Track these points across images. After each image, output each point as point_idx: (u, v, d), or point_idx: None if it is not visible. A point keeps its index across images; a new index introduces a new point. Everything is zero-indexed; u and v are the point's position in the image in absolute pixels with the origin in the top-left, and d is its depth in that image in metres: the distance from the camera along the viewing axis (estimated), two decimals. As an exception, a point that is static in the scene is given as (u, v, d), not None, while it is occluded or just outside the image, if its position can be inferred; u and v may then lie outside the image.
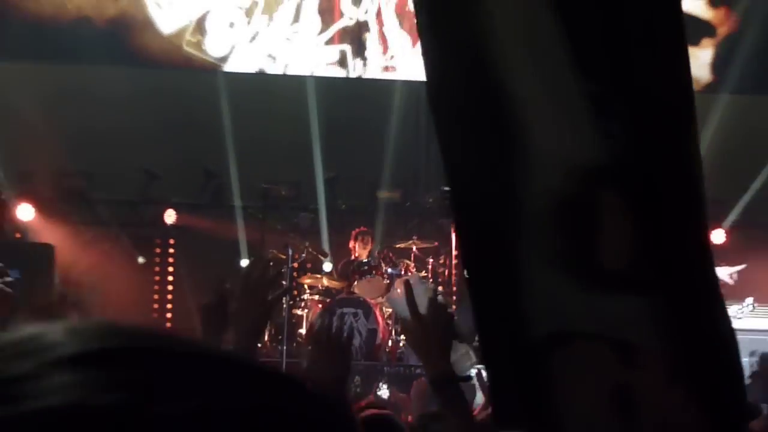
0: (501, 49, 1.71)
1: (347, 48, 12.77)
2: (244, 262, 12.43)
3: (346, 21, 12.82)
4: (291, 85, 12.93)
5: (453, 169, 1.83)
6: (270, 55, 12.59)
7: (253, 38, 12.48)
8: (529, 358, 1.64)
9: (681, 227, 1.71)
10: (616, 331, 1.63)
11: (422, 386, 6.54)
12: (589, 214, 1.66)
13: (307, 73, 12.59)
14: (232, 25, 12.42)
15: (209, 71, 12.63)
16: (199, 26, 12.46)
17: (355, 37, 12.86)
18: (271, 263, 8.04)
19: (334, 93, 12.64)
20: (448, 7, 1.81)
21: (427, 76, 1.84)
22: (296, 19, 12.55)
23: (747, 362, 9.84)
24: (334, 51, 12.83)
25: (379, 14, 12.71)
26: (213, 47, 12.29)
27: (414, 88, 12.35)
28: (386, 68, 12.50)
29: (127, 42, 12.41)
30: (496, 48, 1.71)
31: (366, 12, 12.59)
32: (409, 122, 12.83)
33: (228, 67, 12.48)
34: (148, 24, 12.44)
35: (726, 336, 1.76)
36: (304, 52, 12.52)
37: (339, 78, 12.70)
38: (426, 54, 1.83)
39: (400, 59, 12.49)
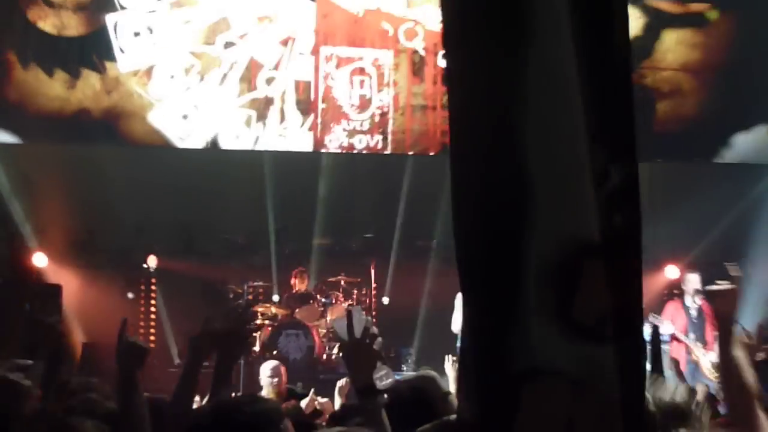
0: (526, 118, 1.75)
1: (253, 113, 14.35)
2: (210, 296, 14.27)
3: (258, 94, 14.38)
4: (248, 158, 14.72)
5: (463, 233, 1.86)
6: (195, 106, 14.14)
7: (187, 89, 14.11)
8: (504, 389, 1.71)
9: (636, 294, 1.79)
10: (576, 371, 1.72)
11: (347, 387, 8.00)
12: (573, 277, 1.74)
13: (218, 127, 14.16)
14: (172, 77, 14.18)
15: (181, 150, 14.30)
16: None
17: (262, 106, 14.35)
18: (248, 307, 9.04)
19: (284, 164, 14.52)
20: (481, 59, 1.80)
21: (452, 138, 1.87)
22: (221, 83, 14.25)
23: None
24: (244, 113, 14.39)
25: (283, 95, 14.30)
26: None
27: (340, 160, 14.63)
28: (280, 135, 14.17)
29: (117, 128, 14.27)
30: (523, 115, 1.75)
31: (274, 91, 14.23)
32: (340, 185, 14.82)
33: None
34: (133, 113, 14.28)
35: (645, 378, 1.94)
36: (221, 109, 14.19)
37: (285, 152, 14.40)
38: (452, 118, 1.85)
39: (291, 131, 14.24)
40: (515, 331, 1.78)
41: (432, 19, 13.89)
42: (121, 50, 13.92)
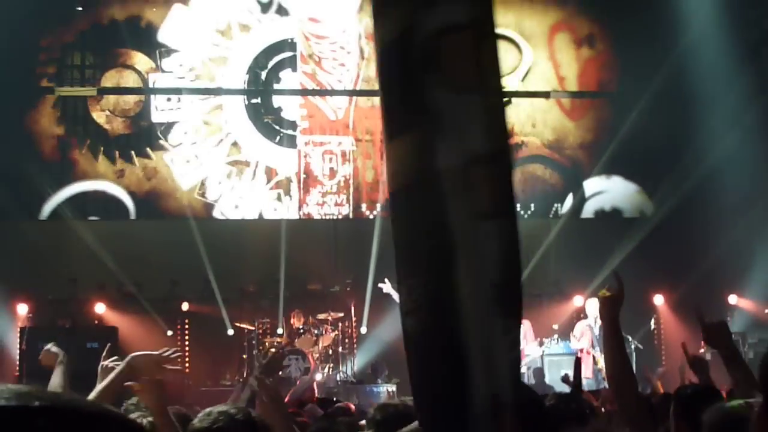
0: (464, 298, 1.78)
1: (281, 191, 17.56)
2: (230, 332, 16.60)
3: (281, 176, 17.65)
4: (263, 227, 17.13)
5: (419, 390, 1.78)
6: (241, 197, 17.40)
7: (232, 189, 17.43)
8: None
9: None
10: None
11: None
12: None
13: (259, 208, 17.23)
14: (219, 182, 17.47)
15: (205, 220, 16.83)
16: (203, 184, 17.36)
17: (285, 185, 17.55)
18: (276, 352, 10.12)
19: (282, 229, 16.78)
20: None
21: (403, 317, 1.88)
22: (253, 176, 17.69)
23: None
24: (274, 193, 17.58)
25: (298, 173, 17.72)
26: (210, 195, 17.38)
27: (325, 226, 17.33)
28: (300, 204, 17.51)
29: (156, 204, 17.22)
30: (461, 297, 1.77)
31: (291, 172, 17.66)
32: (326, 244, 17.37)
33: (218, 210, 17.24)
34: (168, 193, 17.15)
35: None
36: (257, 195, 17.52)
37: (282, 219, 17.07)
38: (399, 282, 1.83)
39: (310, 202, 17.58)
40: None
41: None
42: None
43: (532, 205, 18.32)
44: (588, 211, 18.47)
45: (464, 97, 2.08)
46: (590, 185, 18.56)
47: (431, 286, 2.23)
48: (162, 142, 17.43)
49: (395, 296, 14.99)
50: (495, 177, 2.17)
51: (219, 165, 17.60)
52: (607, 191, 18.58)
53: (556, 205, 18.53)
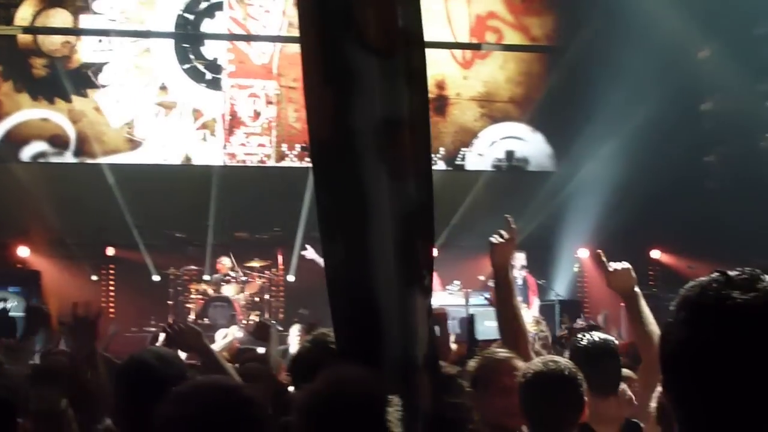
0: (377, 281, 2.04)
1: (207, 132, 17.73)
2: (156, 278, 16.58)
3: (207, 117, 17.84)
4: (191, 173, 17.11)
5: (340, 339, 2.22)
6: (168, 136, 17.43)
7: (159, 128, 17.40)
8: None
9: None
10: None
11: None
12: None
13: (186, 148, 17.42)
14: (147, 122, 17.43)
15: (134, 165, 16.77)
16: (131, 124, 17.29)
17: (211, 126, 17.77)
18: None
19: (211, 175, 16.93)
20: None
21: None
22: (180, 117, 17.68)
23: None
24: (200, 134, 17.75)
25: (223, 116, 17.89)
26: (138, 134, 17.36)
27: (255, 173, 17.35)
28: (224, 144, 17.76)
29: (83, 148, 17.05)
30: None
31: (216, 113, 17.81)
32: (261, 192, 17.03)
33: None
34: (96, 137, 17.02)
35: None
36: (184, 135, 17.66)
37: (211, 165, 17.23)
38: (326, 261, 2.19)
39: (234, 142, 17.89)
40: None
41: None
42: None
43: (464, 156, 18.38)
44: (516, 158, 18.75)
45: (382, 60, 2.28)
46: (513, 129, 18.79)
47: (347, 242, 2.39)
48: (93, 81, 17.37)
49: (319, 261, 15.10)
50: (409, 139, 2.33)
51: (147, 105, 17.62)
52: (528, 142, 18.83)
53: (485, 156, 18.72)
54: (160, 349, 3.68)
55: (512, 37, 18.83)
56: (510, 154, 18.76)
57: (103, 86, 17.44)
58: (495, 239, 4.53)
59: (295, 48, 17.29)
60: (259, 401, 2.23)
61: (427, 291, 2.45)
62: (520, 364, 3.78)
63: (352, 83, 2.11)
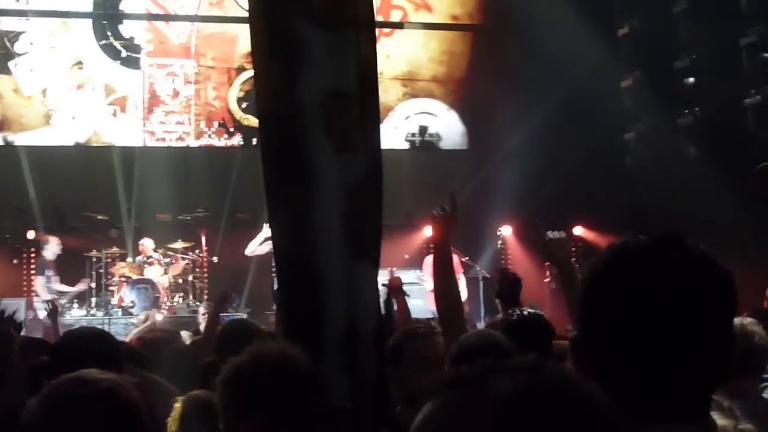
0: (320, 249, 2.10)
1: (117, 108, 17.76)
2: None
3: (119, 94, 17.87)
4: (114, 155, 16.89)
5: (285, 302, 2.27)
6: (79, 109, 17.40)
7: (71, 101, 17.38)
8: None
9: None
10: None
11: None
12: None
13: (95, 122, 17.46)
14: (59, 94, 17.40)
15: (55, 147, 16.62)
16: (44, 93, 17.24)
17: (122, 103, 17.82)
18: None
19: (135, 156, 16.87)
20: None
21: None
22: (93, 91, 17.72)
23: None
24: (111, 109, 17.79)
25: (143, 94, 17.88)
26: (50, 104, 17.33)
27: (177, 153, 17.41)
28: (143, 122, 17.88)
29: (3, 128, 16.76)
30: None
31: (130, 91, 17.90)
32: (178, 171, 17.22)
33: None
34: (13, 119, 16.84)
35: None
36: (94, 110, 17.69)
37: (135, 147, 17.24)
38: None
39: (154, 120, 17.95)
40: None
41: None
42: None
43: (391, 134, 18.45)
44: (429, 134, 18.86)
45: (330, 33, 2.32)
46: (428, 105, 18.85)
47: (292, 215, 2.43)
48: (12, 53, 17.31)
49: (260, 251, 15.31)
50: (358, 112, 2.38)
51: (60, 77, 17.60)
52: (442, 119, 18.97)
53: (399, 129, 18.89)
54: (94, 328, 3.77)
55: (416, 15, 18.95)
56: (423, 129, 18.94)
57: (19, 54, 17.32)
58: (437, 212, 4.50)
59: (213, 27, 17.74)
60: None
61: (375, 264, 2.49)
62: (440, 339, 3.80)
63: (299, 56, 2.14)
